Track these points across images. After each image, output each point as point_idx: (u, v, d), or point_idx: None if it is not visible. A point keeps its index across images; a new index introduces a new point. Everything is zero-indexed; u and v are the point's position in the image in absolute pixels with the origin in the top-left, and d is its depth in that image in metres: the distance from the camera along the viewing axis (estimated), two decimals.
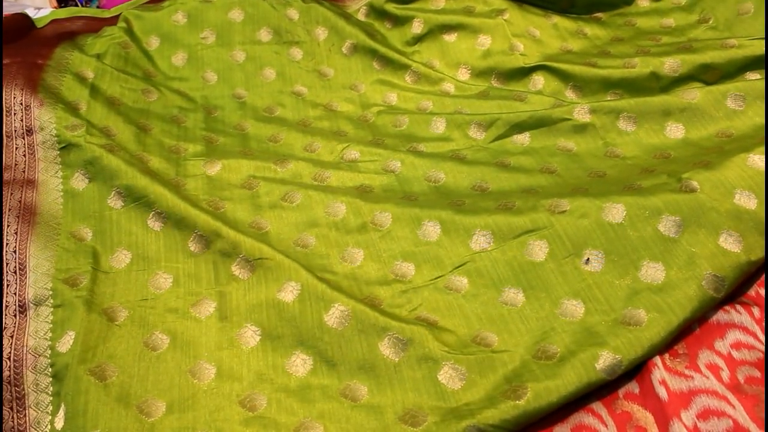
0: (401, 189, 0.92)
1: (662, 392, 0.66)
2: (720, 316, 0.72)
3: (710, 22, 1.07)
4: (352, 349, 0.73)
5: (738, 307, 0.72)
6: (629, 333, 0.70)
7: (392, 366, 0.72)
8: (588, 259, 0.77)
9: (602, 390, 0.69)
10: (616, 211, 0.78)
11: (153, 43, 1.15)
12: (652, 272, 0.73)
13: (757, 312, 0.71)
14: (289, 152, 1.00)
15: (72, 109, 0.97)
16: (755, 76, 0.94)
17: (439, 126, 1.02)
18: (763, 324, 0.70)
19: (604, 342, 0.70)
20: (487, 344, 0.73)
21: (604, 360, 0.68)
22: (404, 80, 1.12)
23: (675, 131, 0.92)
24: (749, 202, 0.75)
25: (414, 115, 1.05)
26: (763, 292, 0.73)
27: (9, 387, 0.72)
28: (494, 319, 0.75)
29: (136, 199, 0.86)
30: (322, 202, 0.89)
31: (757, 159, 0.78)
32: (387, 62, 1.12)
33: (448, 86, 1.10)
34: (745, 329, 0.70)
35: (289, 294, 0.78)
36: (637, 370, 0.70)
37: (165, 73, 1.12)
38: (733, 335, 0.70)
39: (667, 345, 0.70)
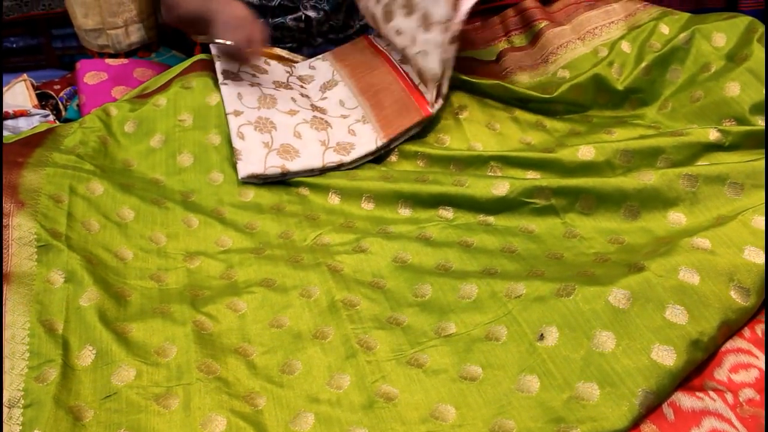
0: (370, 270, 0.94)
1: None
2: (694, 403, 0.71)
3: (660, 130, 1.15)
4: None
5: (711, 393, 0.71)
6: (582, 409, 0.70)
7: None
8: (542, 335, 0.78)
9: None
10: (568, 290, 0.80)
11: (129, 128, 1.14)
12: (604, 340, 0.75)
13: (730, 398, 0.71)
14: (265, 240, 1.01)
15: (55, 202, 0.97)
16: (705, 163, 1.00)
17: (406, 209, 1.05)
18: (737, 410, 0.70)
19: (559, 418, 0.70)
20: (445, 419, 0.73)
21: None
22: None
23: (630, 214, 0.96)
24: (693, 278, 0.78)
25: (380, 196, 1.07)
26: (735, 377, 0.73)
27: None
28: (453, 393, 0.75)
29: (107, 307, 0.86)
30: (295, 287, 0.91)
31: (699, 241, 0.83)
32: None
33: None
34: (719, 416, 0.69)
35: (260, 400, 0.77)
36: None
37: (141, 157, 1.12)
38: (709, 423, 0.69)
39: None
